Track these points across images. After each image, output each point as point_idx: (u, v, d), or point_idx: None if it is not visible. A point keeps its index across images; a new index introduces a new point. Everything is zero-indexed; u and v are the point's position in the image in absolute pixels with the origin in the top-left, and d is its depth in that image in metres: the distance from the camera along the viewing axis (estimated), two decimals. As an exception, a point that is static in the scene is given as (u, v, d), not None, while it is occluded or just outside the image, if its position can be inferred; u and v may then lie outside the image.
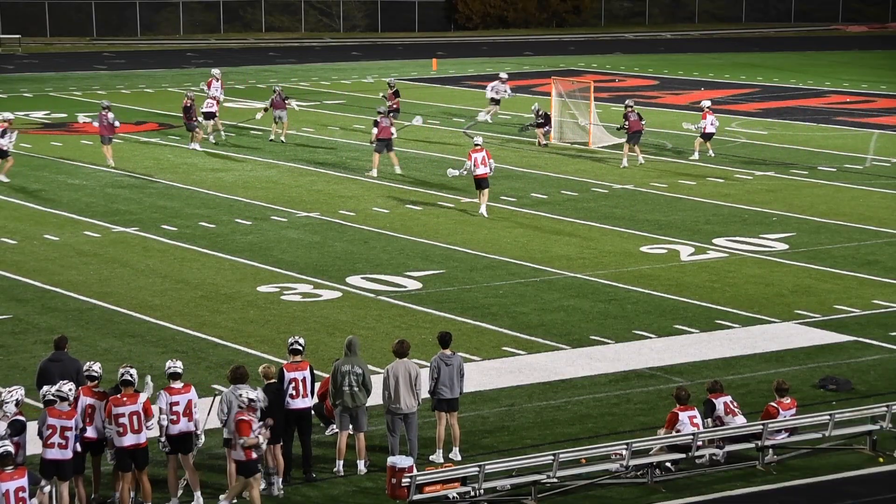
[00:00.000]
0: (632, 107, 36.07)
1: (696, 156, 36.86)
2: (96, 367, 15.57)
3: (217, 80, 41.68)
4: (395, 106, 40.52)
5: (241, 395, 15.19)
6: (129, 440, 15.09)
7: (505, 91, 42.87)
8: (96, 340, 21.22)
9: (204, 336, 21.50)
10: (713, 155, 36.85)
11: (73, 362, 16.25)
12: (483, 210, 30.01)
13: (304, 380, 16.24)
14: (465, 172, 30.36)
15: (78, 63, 60.43)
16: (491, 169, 30.23)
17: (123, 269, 25.52)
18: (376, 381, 16.84)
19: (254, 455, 15.07)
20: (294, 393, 16.17)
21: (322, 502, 15.75)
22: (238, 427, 15.03)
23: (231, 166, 35.97)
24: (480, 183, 30.18)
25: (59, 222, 29.44)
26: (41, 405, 15.41)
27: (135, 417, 15.08)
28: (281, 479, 16.01)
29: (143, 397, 15.25)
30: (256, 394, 15.29)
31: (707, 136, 37.05)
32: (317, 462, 16.52)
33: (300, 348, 16.48)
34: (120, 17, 72.90)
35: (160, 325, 22.05)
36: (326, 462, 16.61)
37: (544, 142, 39.22)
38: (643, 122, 36.13)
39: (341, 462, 16.44)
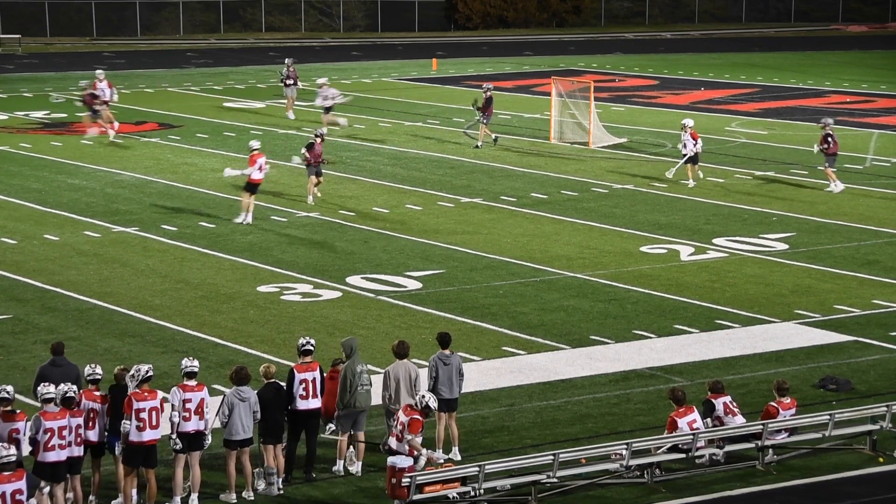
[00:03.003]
0: (829, 124, 33.14)
1: (690, 183, 33.08)
2: (99, 369, 15.63)
3: (101, 80, 40.59)
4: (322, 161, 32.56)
5: (422, 397, 15.62)
6: (147, 435, 15.19)
7: (334, 97, 41.04)
8: (96, 340, 21.22)
9: (204, 336, 21.50)
10: (701, 178, 33.49)
11: (72, 368, 16.34)
12: (250, 218, 28.89)
13: (314, 380, 16.28)
14: (242, 174, 29.23)
15: (78, 63, 60.39)
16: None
17: (123, 269, 25.52)
18: (376, 381, 16.85)
19: (416, 454, 15.34)
20: (304, 393, 16.19)
21: (322, 502, 15.75)
22: (410, 424, 15.35)
23: (230, 166, 35.92)
24: (255, 188, 29.04)
25: (59, 222, 29.44)
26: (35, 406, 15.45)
27: (154, 413, 15.21)
28: (281, 479, 16.02)
29: (160, 394, 15.37)
30: (435, 402, 15.72)
31: (693, 160, 33.34)
32: (317, 462, 16.52)
33: (312, 349, 16.50)
34: (120, 17, 72.89)
35: (160, 325, 22.05)
36: (326, 462, 16.61)
37: (489, 139, 38.47)
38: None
39: (342, 462, 16.45)
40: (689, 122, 33.82)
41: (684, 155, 33.47)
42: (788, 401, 17.12)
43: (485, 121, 38.61)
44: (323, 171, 31.27)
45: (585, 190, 33.06)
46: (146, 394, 15.25)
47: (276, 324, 22.15)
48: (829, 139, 32.62)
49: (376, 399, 16.80)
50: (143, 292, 23.95)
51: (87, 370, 15.60)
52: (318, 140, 31.02)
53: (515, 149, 38.74)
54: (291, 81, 43.78)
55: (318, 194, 31.22)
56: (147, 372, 15.34)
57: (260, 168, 29.10)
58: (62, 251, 26.91)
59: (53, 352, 16.51)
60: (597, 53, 66.17)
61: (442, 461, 16.38)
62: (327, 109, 41.11)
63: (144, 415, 15.14)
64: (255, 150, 29.36)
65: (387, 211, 30.59)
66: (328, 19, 77.08)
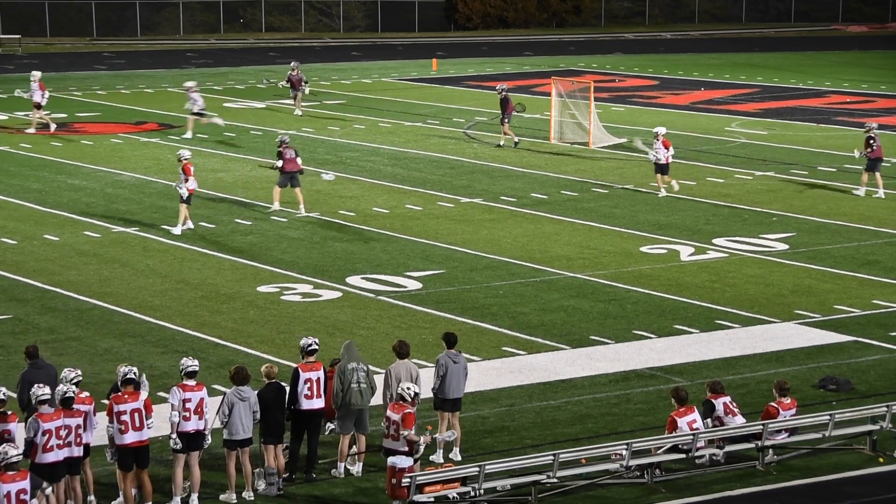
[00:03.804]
0: (874, 128, 32.42)
1: (661, 192, 32.13)
2: (78, 371, 15.57)
3: (34, 81, 40.22)
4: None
5: (408, 388, 15.55)
6: (130, 437, 15.15)
7: (196, 101, 39.72)
8: (96, 340, 21.23)
9: (204, 336, 21.50)
10: (676, 188, 32.19)
11: (52, 367, 16.43)
12: (190, 224, 28.23)
13: (318, 380, 16.30)
14: (190, 188, 28.10)
15: (78, 63, 60.42)
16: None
17: (123, 270, 25.53)
18: (378, 381, 16.84)
19: (415, 448, 15.42)
20: (309, 393, 16.21)
21: (323, 502, 15.75)
22: (405, 420, 15.36)
23: (231, 166, 35.98)
24: (191, 199, 28.28)
25: (59, 222, 29.44)
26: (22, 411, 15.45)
27: (136, 415, 15.15)
28: (281, 480, 16.02)
29: (143, 395, 15.31)
30: (419, 389, 15.75)
31: (663, 169, 31.96)
32: (318, 462, 16.52)
33: (317, 348, 16.53)
34: (120, 18, 72.88)
35: (160, 326, 22.06)
36: (327, 462, 16.61)
37: (512, 139, 38.37)
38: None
39: (343, 464, 16.44)
40: (661, 130, 32.22)
41: (656, 163, 32.14)
42: (789, 401, 17.12)
43: (507, 119, 38.61)
44: (300, 180, 29.77)
45: (585, 190, 33.06)
46: (126, 396, 15.17)
47: (276, 324, 22.15)
48: (872, 142, 32.05)
49: (377, 399, 16.79)
50: (143, 292, 23.96)
51: (72, 375, 15.38)
52: (283, 146, 29.51)
53: (515, 149, 38.72)
54: (288, 84, 44.13)
55: (303, 210, 29.68)
56: (126, 374, 15.24)
57: (193, 178, 28.26)
58: (62, 251, 26.90)
59: (31, 355, 16.48)
60: (597, 53, 66.15)
61: (450, 436, 16.40)
62: (197, 113, 39.85)
63: (126, 417, 15.08)
64: (187, 159, 28.32)
65: (387, 211, 30.59)
66: (328, 19, 77.07)
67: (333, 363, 16.98)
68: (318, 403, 16.29)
